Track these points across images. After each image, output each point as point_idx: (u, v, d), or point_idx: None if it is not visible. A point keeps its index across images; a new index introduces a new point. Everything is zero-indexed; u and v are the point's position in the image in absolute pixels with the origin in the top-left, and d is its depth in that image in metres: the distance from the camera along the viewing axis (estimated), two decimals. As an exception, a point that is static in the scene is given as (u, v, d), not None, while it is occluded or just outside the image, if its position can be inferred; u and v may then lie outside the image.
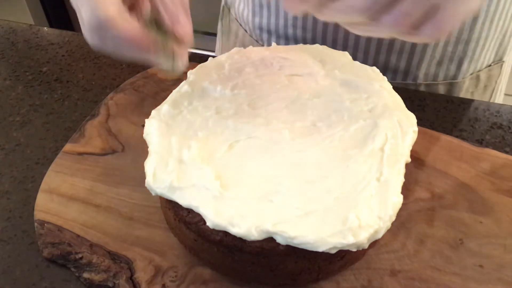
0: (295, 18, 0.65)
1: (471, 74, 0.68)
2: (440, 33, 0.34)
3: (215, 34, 0.87)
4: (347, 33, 0.63)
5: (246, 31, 0.74)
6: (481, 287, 0.44)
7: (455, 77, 0.67)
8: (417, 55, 0.64)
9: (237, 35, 0.77)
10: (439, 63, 0.65)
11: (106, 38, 0.37)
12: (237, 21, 0.76)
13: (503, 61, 0.71)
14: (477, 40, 0.64)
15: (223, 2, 0.81)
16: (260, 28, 0.71)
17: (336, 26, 0.63)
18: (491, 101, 0.73)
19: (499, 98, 0.76)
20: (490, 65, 0.69)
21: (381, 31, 0.35)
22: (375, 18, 0.34)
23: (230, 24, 0.78)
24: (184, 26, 0.40)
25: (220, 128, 0.46)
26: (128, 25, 0.37)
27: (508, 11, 0.64)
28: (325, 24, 0.64)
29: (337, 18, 0.36)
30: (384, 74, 0.52)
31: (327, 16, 0.36)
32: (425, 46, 0.63)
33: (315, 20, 0.64)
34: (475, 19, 0.61)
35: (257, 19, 0.70)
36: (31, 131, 0.61)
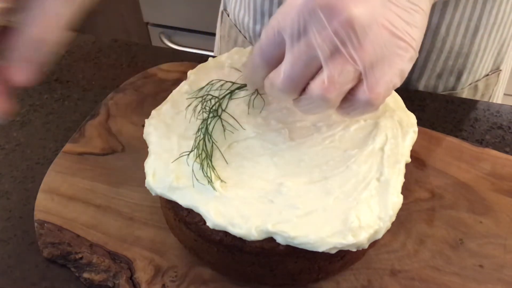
0: None
1: (470, 84, 0.68)
2: (373, 100, 0.35)
3: (214, 34, 0.87)
4: None
5: (245, 37, 0.74)
6: (481, 287, 0.44)
7: (454, 88, 0.68)
8: (417, 70, 0.64)
9: (236, 42, 0.77)
10: (439, 75, 0.66)
11: None
12: (237, 27, 0.76)
13: (500, 70, 0.71)
14: (476, 53, 0.64)
15: (221, 7, 0.81)
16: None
17: None
18: None
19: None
20: (487, 75, 0.70)
21: (316, 104, 0.36)
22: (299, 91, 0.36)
23: (229, 30, 0.78)
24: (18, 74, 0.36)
25: (219, 128, 0.46)
26: None
27: (506, 22, 0.64)
28: None
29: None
30: None
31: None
32: (426, 60, 0.63)
33: None
34: (475, 33, 0.61)
35: (258, 27, 0.70)
36: (31, 131, 0.61)
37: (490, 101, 0.73)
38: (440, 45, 0.61)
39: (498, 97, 0.76)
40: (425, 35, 0.59)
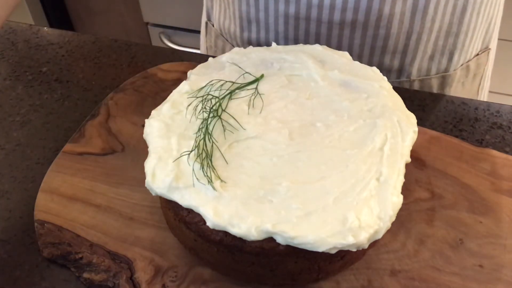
0: (286, 31, 0.65)
1: (462, 65, 0.69)
2: None
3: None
4: (339, 43, 0.64)
5: (233, 46, 0.74)
6: (481, 287, 0.44)
7: (446, 69, 0.68)
8: (410, 53, 0.65)
9: (224, 51, 0.76)
10: (431, 57, 0.66)
11: None
12: (223, 36, 0.76)
13: (489, 48, 0.72)
14: (466, 32, 0.65)
15: (204, 18, 0.81)
16: (250, 43, 0.70)
17: (328, 36, 0.64)
18: (480, 87, 0.75)
19: (487, 84, 0.77)
20: (478, 54, 0.71)
21: None
22: None
23: (215, 40, 0.78)
24: None
25: (219, 128, 0.46)
26: None
27: (493, 0, 0.65)
28: (318, 34, 0.64)
29: None
30: None
31: None
32: (417, 42, 0.63)
33: (307, 32, 0.64)
34: (463, 12, 0.62)
35: (245, 34, 0.69)
36: (31, 131, 0.61)
37: (482, 80, 0.74)
38: (429, 25, 0.62)
39: (488, 76, 0.77)
40: (414, 16, 0.60)
